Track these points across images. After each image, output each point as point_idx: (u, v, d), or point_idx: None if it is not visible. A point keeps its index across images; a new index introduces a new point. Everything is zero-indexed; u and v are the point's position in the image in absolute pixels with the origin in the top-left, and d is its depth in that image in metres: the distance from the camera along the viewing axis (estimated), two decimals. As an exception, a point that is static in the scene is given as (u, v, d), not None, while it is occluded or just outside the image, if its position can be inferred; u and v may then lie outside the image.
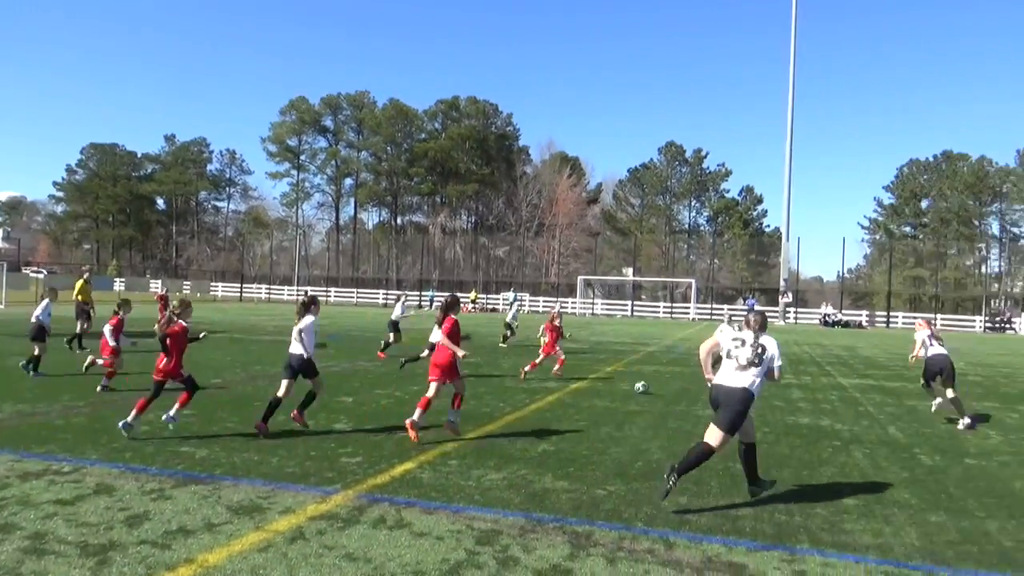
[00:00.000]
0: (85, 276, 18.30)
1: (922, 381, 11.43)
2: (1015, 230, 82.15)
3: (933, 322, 57.05)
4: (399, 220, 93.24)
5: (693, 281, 63.39)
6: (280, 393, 8.17)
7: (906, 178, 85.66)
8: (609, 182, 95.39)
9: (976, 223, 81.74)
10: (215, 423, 8.77)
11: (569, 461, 7.48)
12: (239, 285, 69.62)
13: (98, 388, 10.86)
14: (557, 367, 14.67)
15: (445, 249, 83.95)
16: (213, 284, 70.10)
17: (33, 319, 12.62)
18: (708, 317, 54.66)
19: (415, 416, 8.09)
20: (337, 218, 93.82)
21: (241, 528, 5.12)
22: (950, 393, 10.51)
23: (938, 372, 10.76)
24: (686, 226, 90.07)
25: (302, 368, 8.20)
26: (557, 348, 14.55)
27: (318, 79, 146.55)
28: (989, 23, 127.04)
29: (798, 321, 54.33)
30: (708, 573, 4.62)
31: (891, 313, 59.50)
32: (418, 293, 61.95)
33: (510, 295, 60.71)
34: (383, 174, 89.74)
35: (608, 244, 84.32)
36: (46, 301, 13.04)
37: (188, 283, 62.59)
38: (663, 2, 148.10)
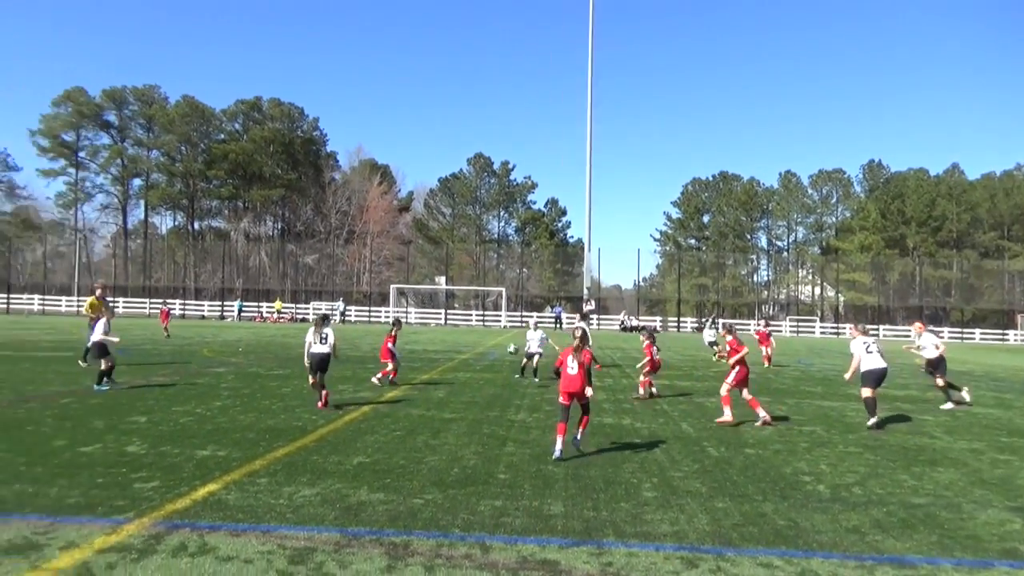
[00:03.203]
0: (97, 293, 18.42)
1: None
2: (779, 243, 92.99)
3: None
4: (197, 225, 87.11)
5: (503, 290, 65.17)
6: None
7: (690, 195, 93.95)
8: (420, 191, 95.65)
9: (748, 237, 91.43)
10: (-23, 453, 7.70)
11: (385, 472, 7.38)
12: (6, 296, 61.63)
13: None
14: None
15: (249, 256, 79.59)
16: (-29, 295, 61.36)
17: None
18: (519, 324, 56.37)
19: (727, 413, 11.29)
20: (125, 222, 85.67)
21: (13, 570, 4.53)
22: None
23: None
24: (495, 236, 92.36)
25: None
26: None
27: (98, 70, 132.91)
28: (757, 57, 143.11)
29: (600, 327, 57.55)
30: (522, 572, 4.76)
31: (681, 318, 64.97)
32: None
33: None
34: (177, 175, 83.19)
35: (420, 252, 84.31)
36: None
37: (-62, 293, 54.26)
38: (472, 15, 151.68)
